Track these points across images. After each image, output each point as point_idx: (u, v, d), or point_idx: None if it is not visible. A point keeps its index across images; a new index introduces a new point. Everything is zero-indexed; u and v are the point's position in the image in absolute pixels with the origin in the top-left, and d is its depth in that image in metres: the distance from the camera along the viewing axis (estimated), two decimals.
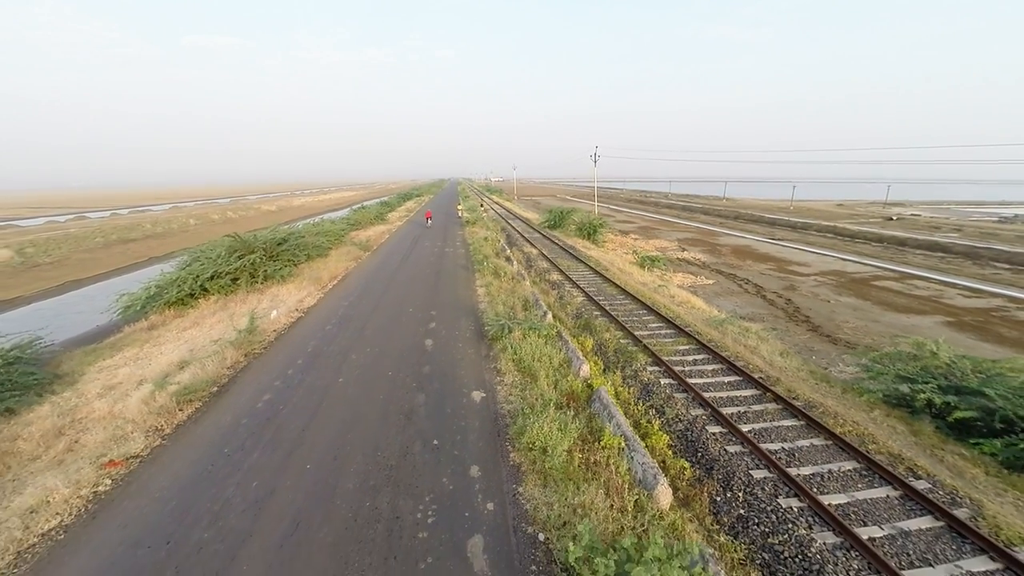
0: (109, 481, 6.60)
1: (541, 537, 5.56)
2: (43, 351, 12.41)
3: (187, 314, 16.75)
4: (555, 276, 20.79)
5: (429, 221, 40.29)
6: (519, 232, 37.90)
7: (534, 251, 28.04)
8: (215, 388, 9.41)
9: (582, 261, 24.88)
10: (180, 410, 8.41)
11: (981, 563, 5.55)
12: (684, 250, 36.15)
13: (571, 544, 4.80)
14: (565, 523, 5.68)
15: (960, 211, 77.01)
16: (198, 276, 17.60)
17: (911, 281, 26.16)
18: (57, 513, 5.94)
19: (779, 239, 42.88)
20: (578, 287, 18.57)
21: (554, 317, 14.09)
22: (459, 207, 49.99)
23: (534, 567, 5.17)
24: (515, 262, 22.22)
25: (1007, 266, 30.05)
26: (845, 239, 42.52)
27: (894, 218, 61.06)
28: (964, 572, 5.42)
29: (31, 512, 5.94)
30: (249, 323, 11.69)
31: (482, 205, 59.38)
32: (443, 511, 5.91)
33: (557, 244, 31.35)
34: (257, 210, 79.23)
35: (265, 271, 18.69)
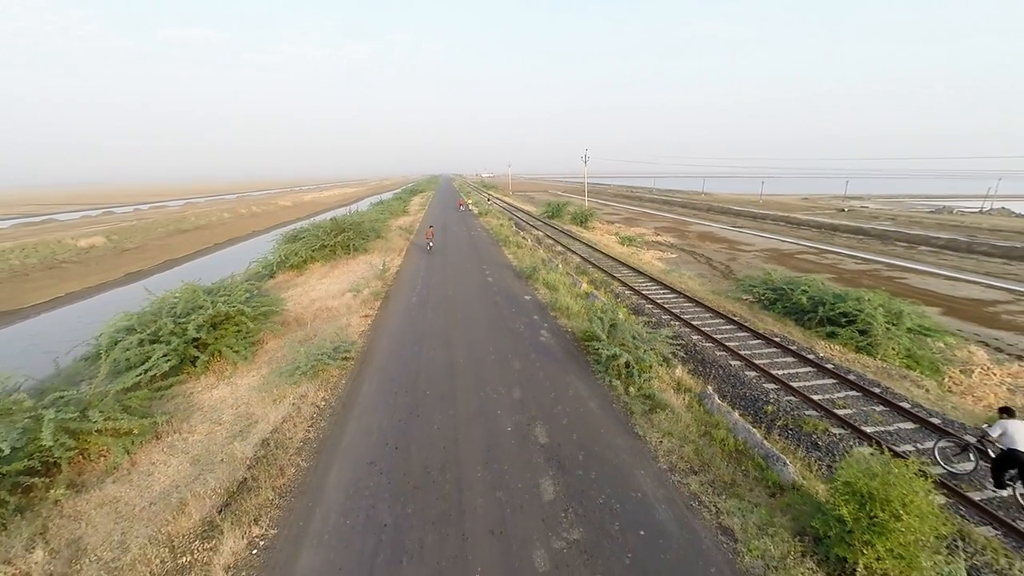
0: (370, 318, 14.42)
1: (571, 330, 13.50)
2: None
3: (305, 273, 24.28)
4: (559, 248, 28.84)
5: (462, 207, 51.32)
6: (524, 221, 45.89)
7: (540, 233, 36.07)
8: (384, 293, 17.22)
9: (577, 239, 32.94)
10: (376, 300, 16.23)
11: (746, 334, 13.68)
12: (658, 235, 44.34)
13: (588, 341, 12.74)
14: (582, 335, 13.60)
15: (909, 204, 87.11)
16: (310, 247, 25.17)
17: (825, 254, 34.66)
18: (359, 326, 13.74)
19: (739, 227, 51.38)
20: (576, 254, 26.61)
21: (562, 266, 22.03)
22: (468, 201, 57.91)
23: (566, 338, 13.07)
24: (529, 239, 30.14)
25: (904, 244, 38.85)
26: (792, 226, 51.21)
27: (845, 210, 70.16)
28: (739, 336, 13.52)
29: (347, 326, 13.72)
30: (383, 266, 19.47)
31: (489, 200, 67.24)
32: (527, 326, 13.81)
33: (557, 229, 39.39)
34: (275, 205, 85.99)
35: (354, 244, 26.33)
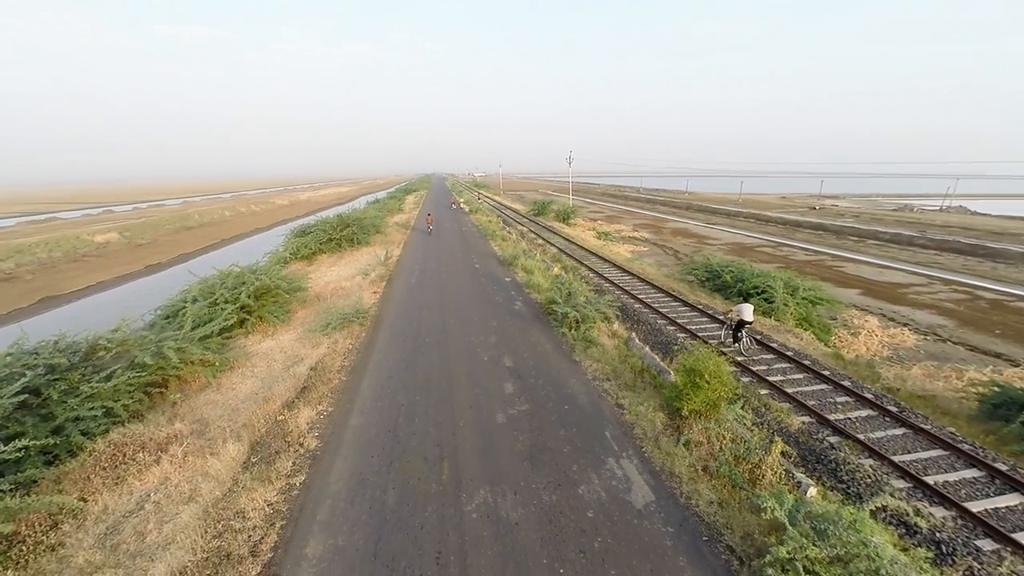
0: (378, 293, 17.76)
1: (540, 301, 16.93)
2: None
3: (315, 264, 27.47)
4: (540, 241, 32.31)
5: (454, 205, 54.83)
6: (511, 218, 49.32)
7: (524, 228, 39.53)
8: (388, 276, 20.55)
9: (557, 234, 36.45)
10: (382, 281, 19.56)
11: (678, 303, 17.22)
12: (636, 231, 48.01)
13: (551, 304, 16.22)
14: (546, 300, 17.03)
15: (878, 202, 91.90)
16: (318, 241, 28.39)
17: (782, 247, 38.49)
18: (371, 299, 17.06)
19: (713, 223, 55.24)
20: (554, 246, 30.11)
21: (540, 255, 25.50)
22: (460, 200, 61.29)
23: (536, 306, 16.50)
24: (514, 234, 33.57)
25: (855, 238, 42.88)
26: (761, 223, 55.17)
27: (817, 207, 74.47)
28: (672, 304, 17.06)
29: (361, 299, 17.04)
30: (386, 255, 22.79)
31: (479, 199, 70.61)
32: (505, 299, 17.24)
33: (541, 225, 42.89)
34: (273, 204, 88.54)
35: (357, 238, 29.59)
